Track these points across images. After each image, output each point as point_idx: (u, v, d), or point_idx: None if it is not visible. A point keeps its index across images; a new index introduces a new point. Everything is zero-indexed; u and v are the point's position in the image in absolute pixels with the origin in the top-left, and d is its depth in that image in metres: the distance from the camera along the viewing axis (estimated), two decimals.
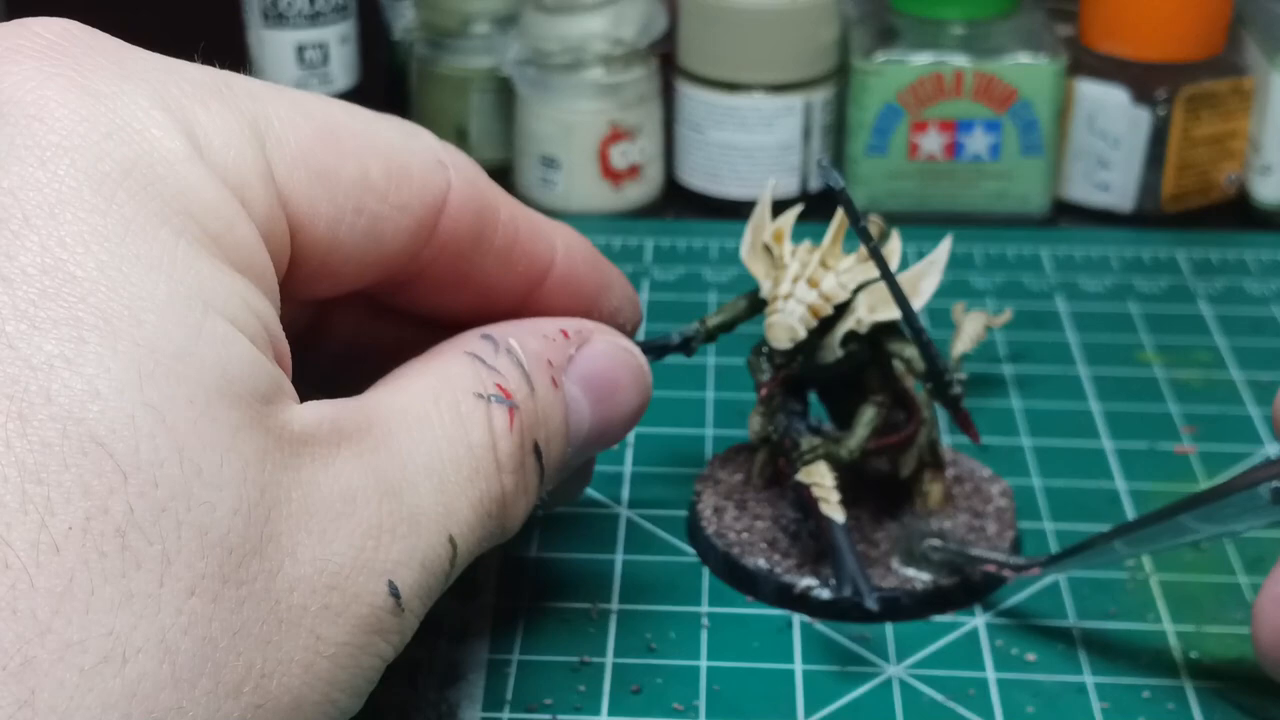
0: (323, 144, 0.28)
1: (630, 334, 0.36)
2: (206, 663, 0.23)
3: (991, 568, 0.37)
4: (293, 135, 0.28)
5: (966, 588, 0.37)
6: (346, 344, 0.35)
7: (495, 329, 0.31)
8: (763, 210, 0.39)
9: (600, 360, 0.32)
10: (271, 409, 0.25)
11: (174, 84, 0.26)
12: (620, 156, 0.58)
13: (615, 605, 0.37)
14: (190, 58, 0.28)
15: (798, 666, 0.35)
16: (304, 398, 0.26)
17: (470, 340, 0.31)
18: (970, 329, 0.45)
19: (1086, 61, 0.57)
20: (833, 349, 0.37)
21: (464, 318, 0.33)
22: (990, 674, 0.35)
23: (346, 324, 0.35)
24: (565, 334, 0.32)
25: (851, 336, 0.36)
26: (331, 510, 0.25)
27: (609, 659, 0.36)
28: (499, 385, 0.29)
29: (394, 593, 0.26)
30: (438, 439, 0.28)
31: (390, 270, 0.30)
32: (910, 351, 0.37)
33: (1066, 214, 0.59)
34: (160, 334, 0.23)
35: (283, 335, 0.27)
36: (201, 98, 0.26)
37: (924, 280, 0.37)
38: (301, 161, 0.28)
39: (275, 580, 0.24)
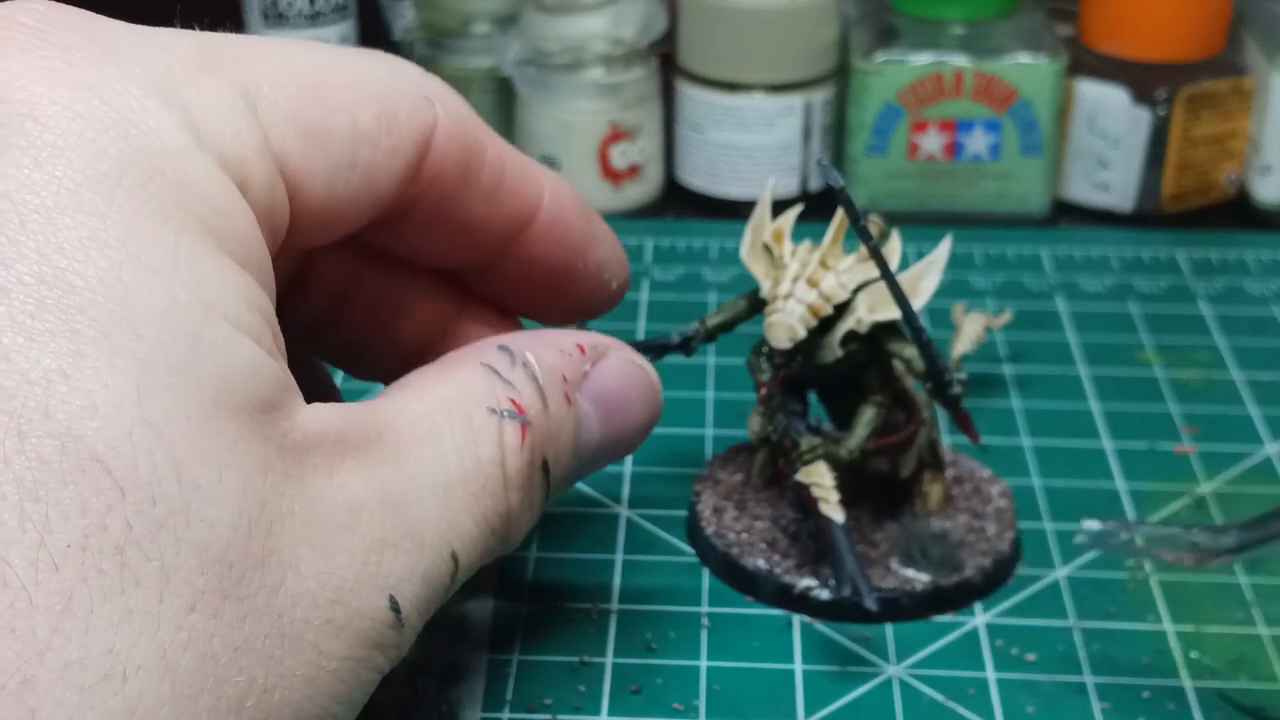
0: (311, 100, 0.28)
1: (618, 294, 0.36)
2: (208, 678, 0.22)
3: (1168, 557, 0.33)
4: (282, 96, 0.27)
5: (966, 588, 0.37)
6: (332, 295, 0.34)
7: (512, 340, 0.31)
8: (763, 210, 0.39)
9: (614, 377, 0.32)
10: (274, 417, 0.25)
11: (161, 62, 0.26)
12: (620, 156, 0.58)
13: (615, 605, 0.37)
14: None
15: (798, 666, 0.35)
16: (290, 350, 0.26)
17: (486, 350, 0.30)
18: (970, 330, 0.45)
19: (1086, 61, 0.57)
20: (833, 349, 0.37)
21: (450, 259, 0.33)
22: (990, 674, 0.35)
23: (332, 273, 0.34)
24: (581, 349, 0.32)
25: (851, 336, 0.36)
26: (335, 523, 0.25)
27: (609, 659, 0.36)
28: (513, 400, 0.29)
29: (394, 608, 0.26)
30: (447, 453, 0.28)
31: (381, 211, 0.30)
32: (910, 351, 0.37)
33: (1066, 214, 0.59)
34: (159, 347, 0.23)
35: (278, 325, 0.26)
36: (190, 75, 0.26)
37: (924, 280, 0.37)
38: (292, 122, 0.27)
39: (277, 595, 0.24)
